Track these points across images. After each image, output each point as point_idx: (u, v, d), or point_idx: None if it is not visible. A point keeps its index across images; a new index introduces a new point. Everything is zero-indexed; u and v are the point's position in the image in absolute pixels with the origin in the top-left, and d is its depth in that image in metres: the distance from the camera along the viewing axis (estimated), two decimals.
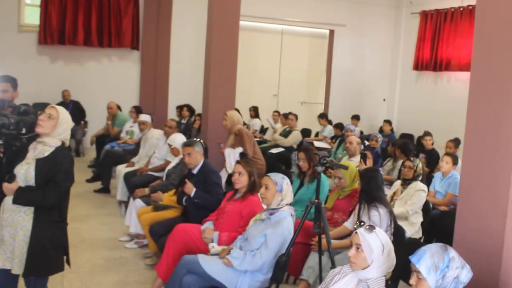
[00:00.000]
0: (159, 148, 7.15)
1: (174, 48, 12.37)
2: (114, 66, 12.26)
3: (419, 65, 13.12)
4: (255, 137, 10.29)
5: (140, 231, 5.68)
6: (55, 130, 3.36)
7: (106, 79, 12.08)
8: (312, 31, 14.11)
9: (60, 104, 11.15)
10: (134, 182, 6.73)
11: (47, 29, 11.51)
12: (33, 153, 3.36)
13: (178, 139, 6.15)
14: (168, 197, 5.50)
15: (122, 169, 7.43)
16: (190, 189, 4.90)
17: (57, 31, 11.55)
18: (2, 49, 10.82)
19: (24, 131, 3.45)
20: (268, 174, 4.15)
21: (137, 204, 5.83)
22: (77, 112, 11.09)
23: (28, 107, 3.52)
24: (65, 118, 3.42)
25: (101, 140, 9.45)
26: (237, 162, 4.61)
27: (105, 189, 8.13)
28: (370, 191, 4.34)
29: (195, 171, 5.15)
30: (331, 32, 14.01)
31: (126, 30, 12.06)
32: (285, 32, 13.90)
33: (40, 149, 3.35)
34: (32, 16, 11.71)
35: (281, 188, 4.04)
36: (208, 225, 4.53)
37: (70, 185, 3.44)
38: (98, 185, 8.29)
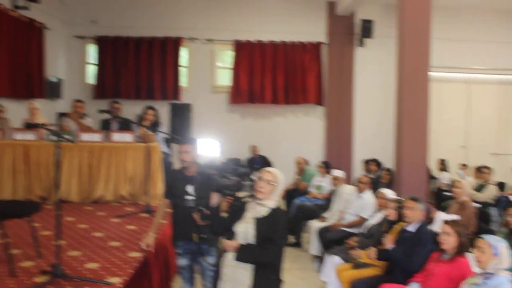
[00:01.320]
0: (352, 204, 7.16)
1: (357, 103, 12.60)
2: (300, 122, 12.72)
3: None
4: (445, 191, 9.83)
5: None
6: (273, 193, 3.57)
7: (292, 134, 12.56)
8: (501, 78, 13.32)
9: (249, 159, 11.81)
10: (328, 238, 6.79)
11: (237, 89, 12.39)
12: (252, 213, 3.58)
13: (388, 193, 6.10)
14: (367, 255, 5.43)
15: (314, 224, 7.55)
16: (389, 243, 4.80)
17: (246, 91, 12.38)
18: (198, 108, 11.83)
19: (242, 192, 3.70)
20: (482, 236, 3.92)
21: (335, 260, 5.84)
22: (265, 166, 11.57)
23: (246, 169, 3.77)
24: (281, 180, 3.61)
25: (290, 194, 9.73)
26: (445, 222, 4.43)
27: (297, 243, 8.30)
28: None
29: (410, 228, 4.97)
30: None
31: (311, 87, 12.48)
32: (471, 80, 13.31)
33: (259, 209, 3.56)
34: (223, 78, 12.71)
35: (497, 251, 3.79)
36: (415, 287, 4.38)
37: (286, 243, 3.59)
38: (290, 238, 8.50)
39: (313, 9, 12.54)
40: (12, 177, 7.37)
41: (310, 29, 12.52)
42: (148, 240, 4.40)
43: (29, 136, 7.54)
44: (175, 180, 4.30)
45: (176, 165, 8.48)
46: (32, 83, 10.22)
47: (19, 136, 7.56)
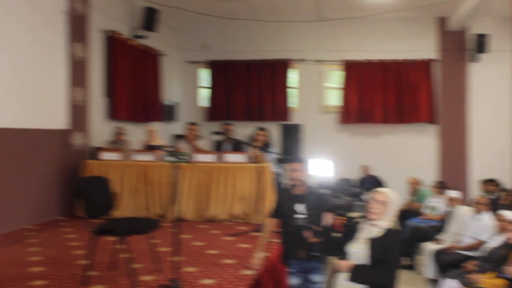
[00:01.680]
0: (469, 226, 6.83)
1: (473, 120, 12.08)
2: (412, 141, 12.39)
3: None
4: None
5: None
6: (386, 214, 3.51)
7: (404, 154, 12.25)
8: None
9: (361, 179, 11.65)
10: (445, 261, 6.52)
11: (346, 109, 12.33)
12: (365, 233, 3.54)
13: (508, 215, 5.79)
14: (487, 280, 5.16)
15: (429, 246, 7.28)
16: None
17: (356, 111, 12.29)
18: (308, 128, 11.89)
19: (354, 212, 3.68)
20: None
21: (452, 284, 5.60)
22: (377, 186, 11.36)
23: (358, 189, 3.74)
24: (394, 200, 3.55)
25: (403, 215, 9.46)
26: None
27: (411, 266, 8.03)
28: None
29: None
30: None
31: (423, 105, 12.15)
32: None
33: (372, 230, 3.51)
34: (333, 98, 12.69)
35: None
36: None
37: (400, 265, 3.50)
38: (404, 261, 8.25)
39: (422, 26, 12.23)
40: (133, 196, 7.81)
41: (420, 46, 12.22)
42: (255, 260, 4.47)
43: (148, 157, 7.96)
44: (284, 199, 4.35)
45: (286, 184, 8.57)
46: (150, 107, 10.83)
47: (139, 157, 8.00)
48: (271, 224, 4.52)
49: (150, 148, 5.29)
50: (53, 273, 4.96)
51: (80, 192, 4.63)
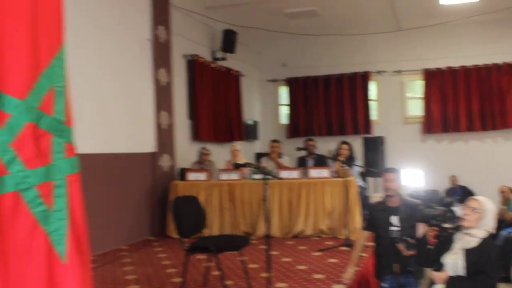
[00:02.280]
0: None
1: None
2: (500, 148, 11.88)
3: None
4: None
5: None
6: (481, 222, 3.40)
7: (492, 162, 11.74)
8: None
9: (448, 189, 11.30)
10: None
11: (429, 119, 12.04)
12: (460, 244, 3.44)
13: None
14: None
15: None
16: None
17: (439, 120, 11.98)
18: (390, 140, 11.71)
19: (448, 222, 3.59)
20: None
21: None
22: (467, 196, 10.96)
23: (452, 199, 3.66)
24: (489, 209, 3.43)
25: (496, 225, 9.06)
26: None
27: (506, 278, 7.67)
28: None
29: None
30: None
31: (510, 110, 11.64)
32: None
33: (467, 240, 3.41)
34: (414, 108, 12.44)
35: None
36: None
37: (499, 276, 3.38)
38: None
39: (504, 28, 11.73)
40: (219, 214, 7.97)
41: (504, 49, 11.72)
42: (347, 275, 4.44)
43: (233, 176, 8.12)
44: (377, 212, 4.30)
45: (375, 197, 8.47)
46: (232, 127, 11.07)
47: (224, 176, 8.17)
48: (362, 237, 4.48)
49: (238, 166, 5.41)
50: None
51: (172, 211, 4.79)
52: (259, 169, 5.24)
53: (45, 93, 1.87)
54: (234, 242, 5.11)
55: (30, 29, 1.88)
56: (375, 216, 4.32)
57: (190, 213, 5.01)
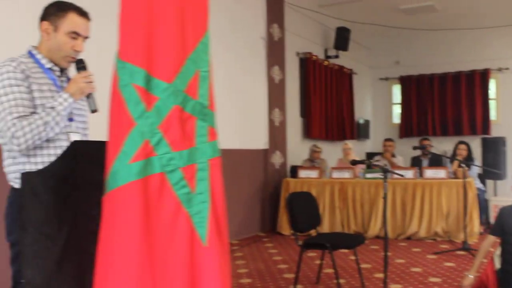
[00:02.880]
0: None
1: None
2: None
3: None
4: None
5: None
6: None
7: None
8: None
9: None
10: None
11: None
12: None
13: None
14: None
15: None
16: None
17: None
18: (510, 141, 11.04)
19: None
20: None
21: None
22: None
23: None
24: None
25: None
26: None
27: None
28: None
29: None
30: None
31: None
32: None
33: None
34: None
35: None
36: None
37: None
38: None
39: None
40: (330, 212, 7.93)
41: None
42: (467, 281, 4.23)
43: (345, 174, 8.04)
44: (509, 216, 4.06)
45: (506, 201, 8.05)
46: (343, 125, 10.97)
47: (336, 175, 8.12)
48: (488, 242, 4.26)
49: (354, 163, 5.34)
50: (260, 284, 5.22)
51: (287, 206, 4.83)
52: (377, 166, 5.12)
53: (191, 77, 1.90)
54: (349, 240, 5.04)
55: (179, 14, 1.91)
56: (505, 221, 4.07)
57: (305, 209, 5.02)
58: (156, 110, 1.83)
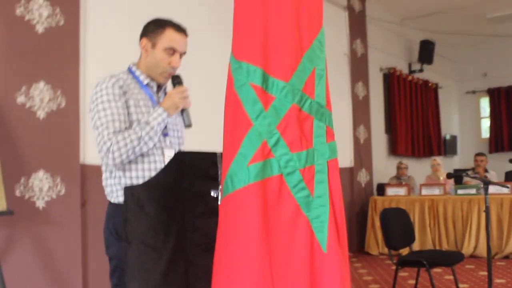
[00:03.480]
0: None
1: None
2: None
3: None
4: None
5: None
6: None
7: None
8: None
9: None
10: None
11: None
12: None
13: None
14: None
15: None
16: None
17: None
18: None
19: None
20: None
21: None
22: None
23: None
24: None
25: None
26: None
27: None
28: None
29: None
30: None
31: None
32: None
33: None
34: None
35: None
36: None
37: None
38: None
39: None
40: (420, 230, 7.66)
41: None
42: None
43: (435, 191, 7.78)
44: None
45: None
46: (430, 141, 10.67)
47: (425, 192, 7.87)
48: None
49: (451, 176, 5.15)
50: None
51: (381, 223, 4.72)
52: (475, 178, 4.91)
53: (308, 76, 1.85)
54: (447, 258, 4.84)
55: (294, 10, 1.86)
56: None
57: (399, 225, 4.88)
58: (273, 109, 1.78)
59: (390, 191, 8.12)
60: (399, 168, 8.72)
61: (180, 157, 2.22)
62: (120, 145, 2.31)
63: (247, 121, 1.77)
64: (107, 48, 4.71)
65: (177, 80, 2.55)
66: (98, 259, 4.35)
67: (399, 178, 8.65)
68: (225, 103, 1.86)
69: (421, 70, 10.31)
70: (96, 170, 4.36)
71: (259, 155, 1.74)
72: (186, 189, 2.14)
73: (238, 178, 1.74)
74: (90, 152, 4.44)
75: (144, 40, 2.55)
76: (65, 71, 4.36)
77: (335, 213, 1.81)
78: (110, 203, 2.49)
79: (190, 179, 2.15)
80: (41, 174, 4.14)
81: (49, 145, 4.19)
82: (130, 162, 2.40)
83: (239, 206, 1.74)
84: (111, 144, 2.31)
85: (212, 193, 2.14)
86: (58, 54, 4.33)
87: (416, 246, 7.53)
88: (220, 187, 1.92)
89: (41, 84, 4.20)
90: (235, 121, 1.80)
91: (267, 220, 1.71)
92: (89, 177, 4.42)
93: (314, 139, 1.82)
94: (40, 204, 4.12)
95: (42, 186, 4.14)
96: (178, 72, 2.59)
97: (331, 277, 1.71)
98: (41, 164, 4.15)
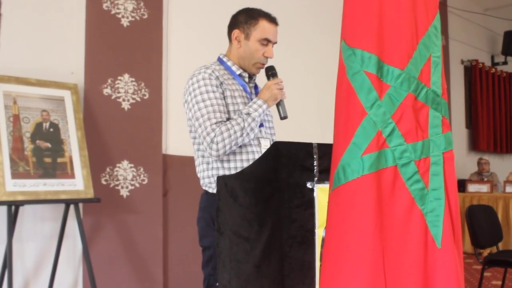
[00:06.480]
0: None
1: None
2: None
3: None
4: None
5: None
6: None
7: None
8: None
9: None
10: None
11: None
12: None
13: None
14: None
15: None
16: None
17: None
18: None
19: None
20: None
21: None
22: None
23: None
24: None
25: None
26: None
27: None
28: None
29: None
30: None
31: None
32: None
33: None
34: None
35: None
36: None
37: None
38: None
39: None
40: (505, 229, 7.33)
41: None
42: None
43: None
44: None
45: None
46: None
47: (509, 189, 7.54)
48: None
49: None
50: None
51: (467, 220, 4.53)
52: None
53: (424, 63, 1.75)
54: None
55: None
56: None
57: (486, 223, 4.67)
58: (388, 98, 1.69)
59: (471, 188, 7.83)
60: (480, 163, 8.40)
61: (278, 147, 2.16)
62: (224, 136, 2.31)
63: (361, 110, 1.69)
64: (189, 41, 4.76)
65: (272, 71, 2.55)
66: (177, 247, 4.43)
67: (481, 174, 8.33)
68: (337, 91, 1.80)
69: (505, 63, 9.85)
70: (178, 160, 4.47)
71: (373, 145, 1.67)
72: (284, 180, 2.09)
73: (351, 169, 1.68)
74: (172, 142, 4.51)
75: (237, 31, 2.54)
76: (148, 63, 4.43)
77: (450, 207, 1.72)
78: (207, 193, 2.50)
79: (288, 169, 2.10)
80: (125, 163, 4.24)
81: (132, 135, 4.28)
82: (228, 153, 2.39)
83: (353, 197, 1.67)
84: (215, 135, 2.31)
85: (308, 185, 2.09)
86: (142, 47, 4.41)
87: (501, 245, 7.23)
88: (316, 178, 1.86)
89: (126, 76, 4.28)
90: (348, 110, 1.73)
91: (381, 213, 1.65)
92: (170, 167, 4.49)
93: (430, 130, 1.73)
94: (124, 192, 4.22)
95: (126, 175, 4.24)
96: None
97: (445, 274, 1.63)
98: (126, 154, 4.24)
